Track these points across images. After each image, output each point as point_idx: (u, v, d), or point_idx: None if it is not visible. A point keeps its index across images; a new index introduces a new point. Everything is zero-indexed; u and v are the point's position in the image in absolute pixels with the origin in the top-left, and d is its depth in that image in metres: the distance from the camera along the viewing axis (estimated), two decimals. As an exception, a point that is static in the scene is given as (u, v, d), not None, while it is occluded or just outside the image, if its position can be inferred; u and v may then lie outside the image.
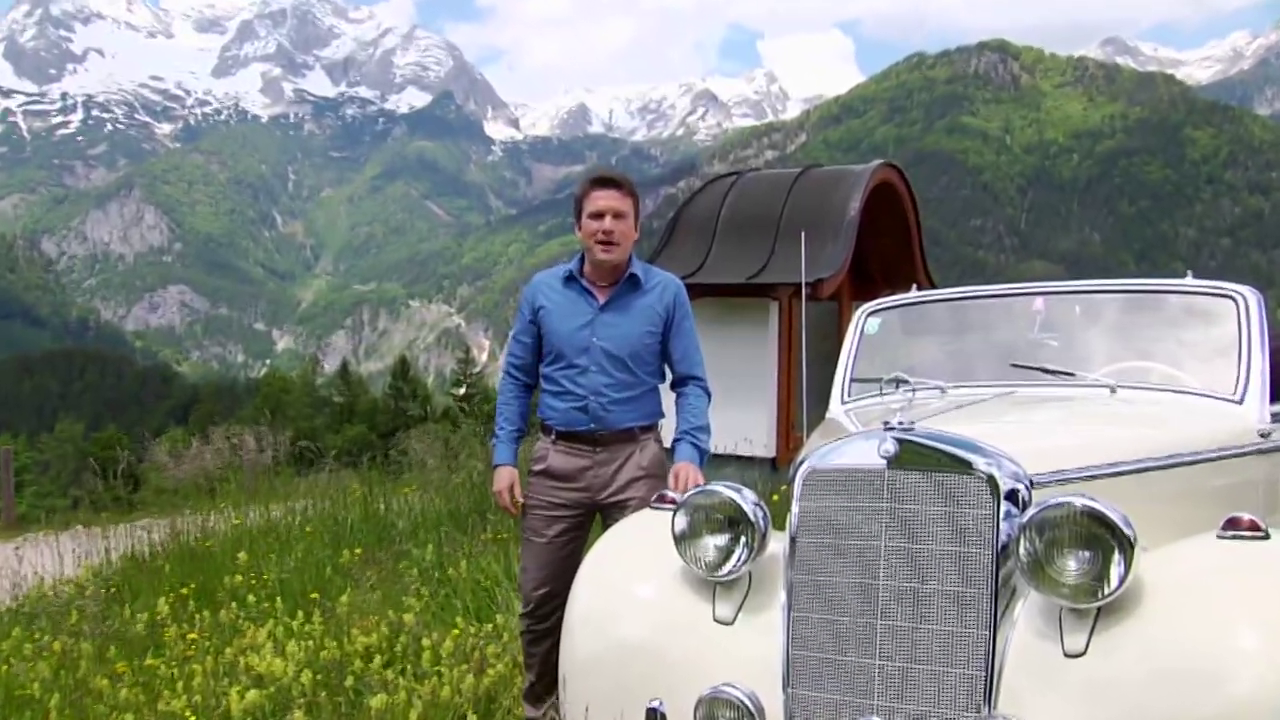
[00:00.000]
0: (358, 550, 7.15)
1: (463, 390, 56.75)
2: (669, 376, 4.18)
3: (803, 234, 8.31)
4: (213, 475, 11.03)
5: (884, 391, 4.15)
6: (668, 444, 4.09)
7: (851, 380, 4.49)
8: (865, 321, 4.71)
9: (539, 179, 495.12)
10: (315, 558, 7.05)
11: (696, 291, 11.06)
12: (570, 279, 4.12)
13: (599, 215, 4.00)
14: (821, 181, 12.21)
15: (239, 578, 6.56)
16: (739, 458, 10.83)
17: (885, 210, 12.57)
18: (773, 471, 10.90)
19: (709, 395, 4.16)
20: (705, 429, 4.05)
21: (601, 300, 4.07)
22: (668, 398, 4.18)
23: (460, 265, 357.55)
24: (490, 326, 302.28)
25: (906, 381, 3.92)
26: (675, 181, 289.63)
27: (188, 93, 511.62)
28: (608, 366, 4.00)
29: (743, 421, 11.01)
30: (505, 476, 4.13)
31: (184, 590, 6.47)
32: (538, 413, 4.20)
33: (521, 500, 4.13)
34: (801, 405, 6.06)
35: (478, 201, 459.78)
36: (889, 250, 12.91)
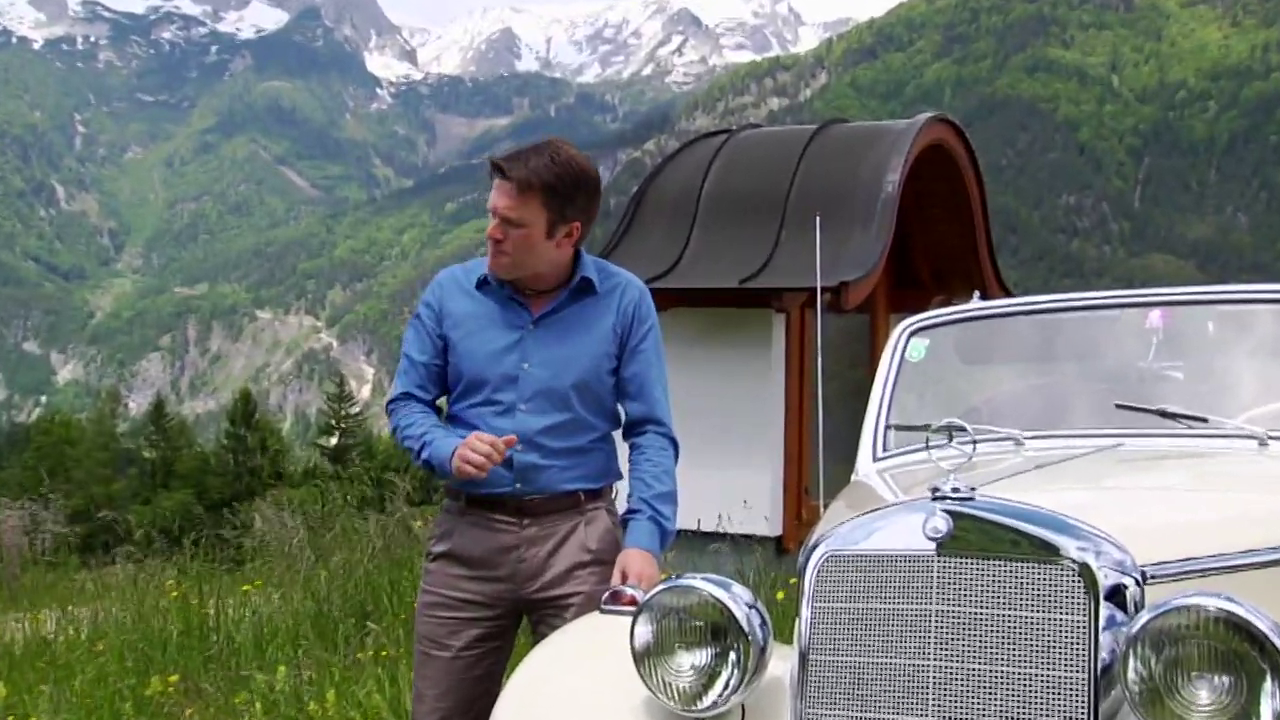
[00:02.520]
0: (174, 677, 7.09)
1: (335, 440, 56.43)
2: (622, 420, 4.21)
3: (818, 218, 8.35)
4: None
5: (934, 444, 4.17)
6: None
7: (888, 427, 4.52)
8: (908, 343, 4.74)
9: (446, 136, 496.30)
10: (110, 689, 6.98)
11: (668, 299, 11.09)
12: (485, 284, 4.14)
13: (491, 211, 4.06)
14: (847, 143, 12.31)
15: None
16: (728, 536, 10.84)
17: (938, 184, 12.69)
18: (777, 556, 10.91)
19: (676, 447, 4.18)
20: (669, 497, 4.07)
21: (536, 311, 4.09)
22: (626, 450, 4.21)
23: (332, 260, 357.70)
24: (375, 348, 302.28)
25: (965, 430, 3.94)
26: (640, 142, 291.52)
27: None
28: (543, 405, 4.02)
29: (734, 485, 11.03)
30: (466, 441, 3.92)
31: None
32: (439, 472, 4.18)
33: (509, 439, 3.92)
34: (817, 462, 6.04)
35: (357, 168, 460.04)
36: (943, 241, 13.03)
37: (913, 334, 4.78)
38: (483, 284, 4.14)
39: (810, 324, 11.19)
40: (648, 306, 4.21)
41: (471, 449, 3.85)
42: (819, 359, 8.39)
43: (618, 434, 4.22)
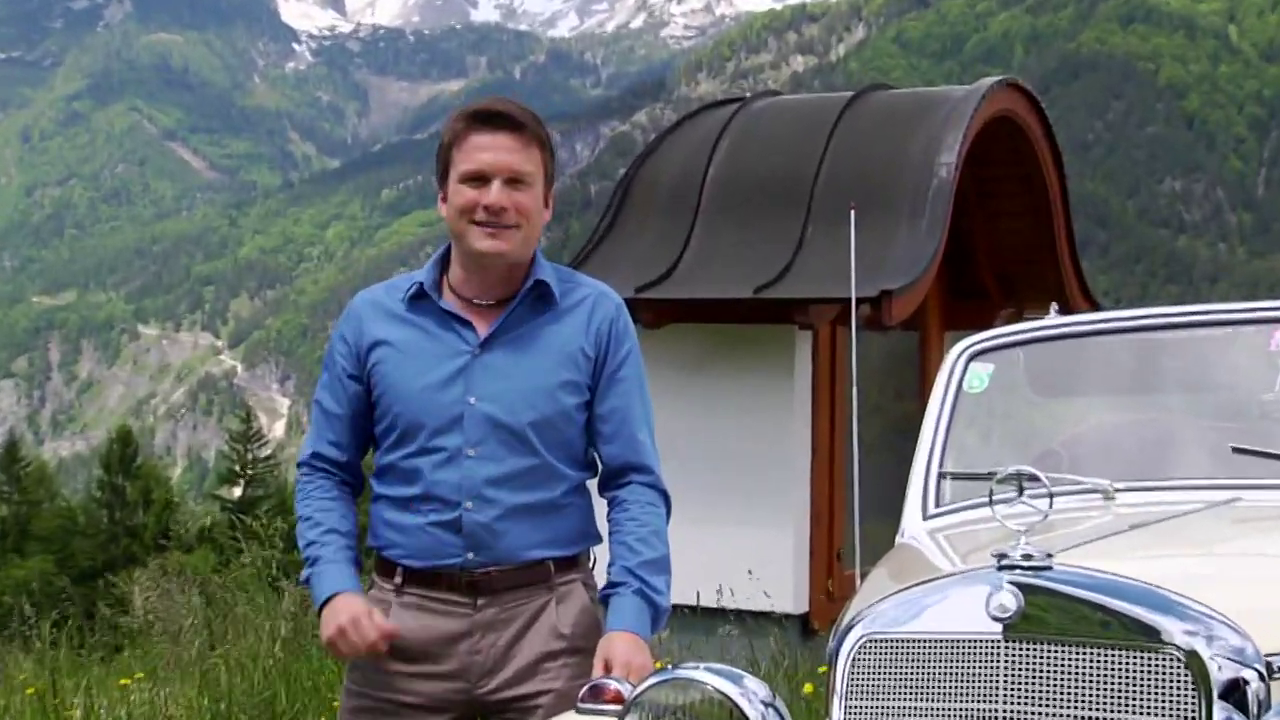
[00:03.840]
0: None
1: (239, 491, 56.25)
2: (598, 468, 4.22)
3: (852, 211, 8.38)
4: None
5: (1000, 497, 4.18)
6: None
7: (942, 476, 4.54)
8: (967, 369, 4.76)
9: (383, 105, 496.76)
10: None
11: (664, 312, 11.11)
12: (420, 298, 4.14)
13: (479, 178, 4.03)
14: (891, 115, 12.35)
15: None
16: (738, 614, 10.84)
17: (1006, 167, 12.73)
18: (802, 639, 10.91)
19: (668, 502, 4.20)
20: (661, 565, 4.07)
21: (483, 331, 4.10)
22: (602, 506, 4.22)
23: (236, 261, 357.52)
24: (292, 373, 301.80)
25: (1039, 479, 3.95)
26: (628, 113, 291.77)
27: None
28: (497, 449, 4.03)
29: (746, 548, 11.03)
30: (348, 606, 4.01)
31: None
32: (368, 540, 4.20)
33: (390, 630, 4.04)
34: (852, 519, 6.02)
35: (268, 144, 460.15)
36: (1012, 239, 13.06)
37: (973, 357, 4.80)
38: (418, 298, 4.14)
39: (843, 344, 11.19)
40: (625, 324, 4.22)
41: (344, 633, 3.96)
42: (854, 389, 8.39)
43: (593, 486, 4.22)
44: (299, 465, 4.26)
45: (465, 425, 4.03)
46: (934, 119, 11.99)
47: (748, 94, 13.57)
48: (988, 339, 4.84)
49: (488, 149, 4.04)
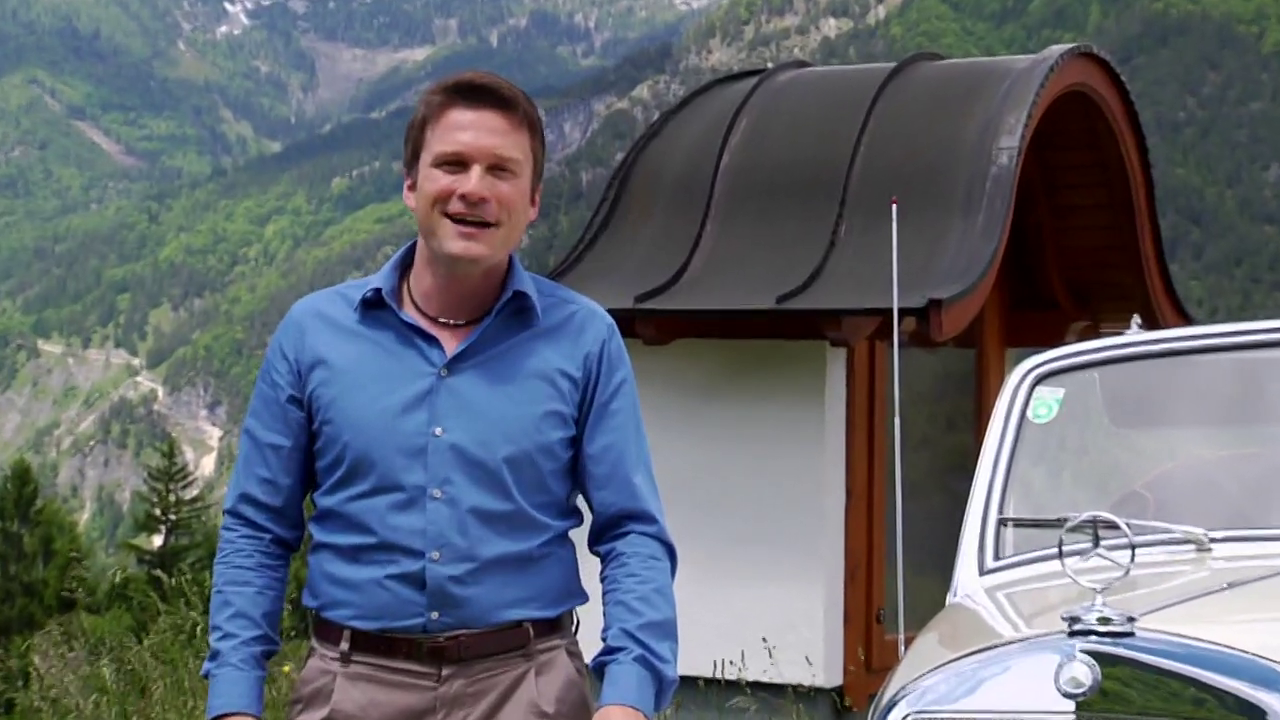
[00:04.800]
0: None
1: (160, 539, 56.23)
2: (586, 517, 4.22)
3: (894, 205, 8.39)
4: None
5: (1071, 548, 4.18)
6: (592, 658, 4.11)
7: (1003, 522, 4.55)
8: (1033, 394, 4.76)
9: (333, 77, 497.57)
10: None
11: (669, 327, 11.13)
12: (375, 307, 4.13)
13: (457, 161, 4.02)
14: (941, 90, 12.38)
15: None
16: (759, 687, 10.86)
17: (1079, 152, 12.75)
18: (835, 718, 10.91)
19: (673, 555, 4.19)
20: (666, 629, 4.06)
21: (451, 349, 4.09)
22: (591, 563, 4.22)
23: (157, 265, 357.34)
24: (225, 399, 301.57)
25: (1118, 527, 3.95)
26: (627, 87, 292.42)
27: None
28: (467, 490, 4.03)
29: (768, 609, 11.05)
30: None
31: None
32: (304, 598, 4.20)
33: None
34: (895, 574, 6.01)
35: (195, 124, 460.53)
36: (1085, 238, 13.08)
37: (1040, 380, 4.80)
38: (373, 307, 4.13)
39: (884, 365, 11.20)
40: (618, 348, 4.21)
41: None
42: (896, 417, 8.43)
43: (580, 536, 4.22)
44: (229, 513, 4.23)
45: (429, 460, 4.02)
46: (992, 95, 12.01)
47: (769, 65, 13.61)
48: (1057, 358, 4.85)
49: (469, 128, 4.02)
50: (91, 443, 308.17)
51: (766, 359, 11.45)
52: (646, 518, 4.16)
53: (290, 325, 4.20)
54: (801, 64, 13.94)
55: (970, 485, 4.67)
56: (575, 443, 4.14)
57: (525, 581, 4.07)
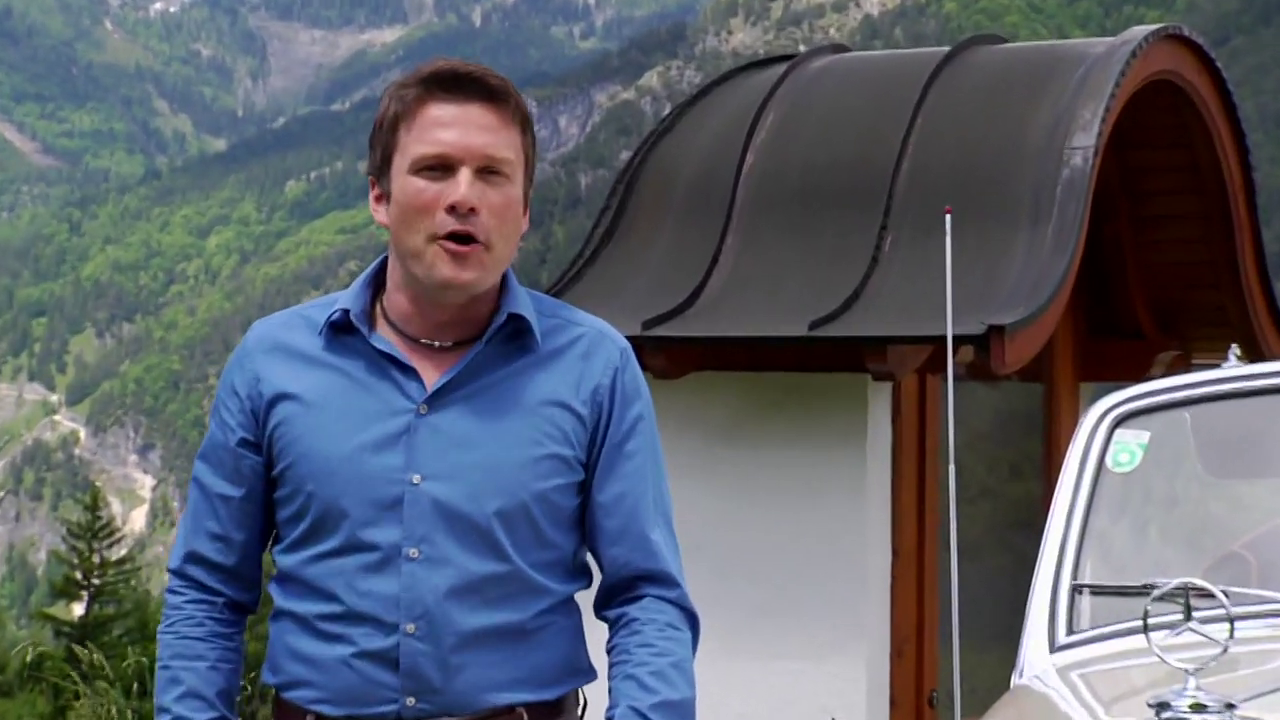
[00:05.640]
0: None
1: (82, 607, 56.31)
2: (595, 576, 4.21)
3: (948, 216, 8.41)
4: None
5: (1158, 619, 4.17)
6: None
7: (1077, 588, 4.53)
8: (1113, 438, 4.75)
9: (288, 64, 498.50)
10: None
11: (683, 357, 11.14)
12: (343, 332, 4.12)
13: (440, 165, 3.99)
14: (1001, 80, 12.40)
15: None
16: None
17: (1166, 151, 12.77)
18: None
19: (695, 625, 4.19)
20: (683, 710, 4.03)
21: (433, 382, 4.08)
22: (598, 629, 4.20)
23: (79, 283, 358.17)
24: (159, 441, 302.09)
25: (1213, 595, 3.95)
26: (634, 76, 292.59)
27: None
28: (451, 550, 4.01)
29: (800, 688, 11.06)
30: None
31: None
32: (263, 674, 4.18)
33: None
34: (950, 647, 6.00)
35: (126, 118, 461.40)
36: (1175, 252, 13.09)
37: (1121, 421, 4.80)
38: (341, 331, 4.10)
39: (936, 402, 11.21)
40: (634, 378, 4.19)
41: None
42: (951, 464, 8.44)
43: (586, 600, 4.20)
44: (169, 573, 4.22)
45: (405, 513, 4.00)
46: (1064, 85, 12.00)
47: (801, 48, 13.62)
48: (1141, 395, 4.85)
49: (453, 125, 3.98)
50: (1, 493, 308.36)
51: (798, 395, 11.44)
52: (665, 580, 4.13)
53: (244, 356, 4.17)
54: (838, 48, 13.95)
55: (1039, 545, 4.66)
56: (583, 489, 4.11)
57: (519, 658, 4.05)
